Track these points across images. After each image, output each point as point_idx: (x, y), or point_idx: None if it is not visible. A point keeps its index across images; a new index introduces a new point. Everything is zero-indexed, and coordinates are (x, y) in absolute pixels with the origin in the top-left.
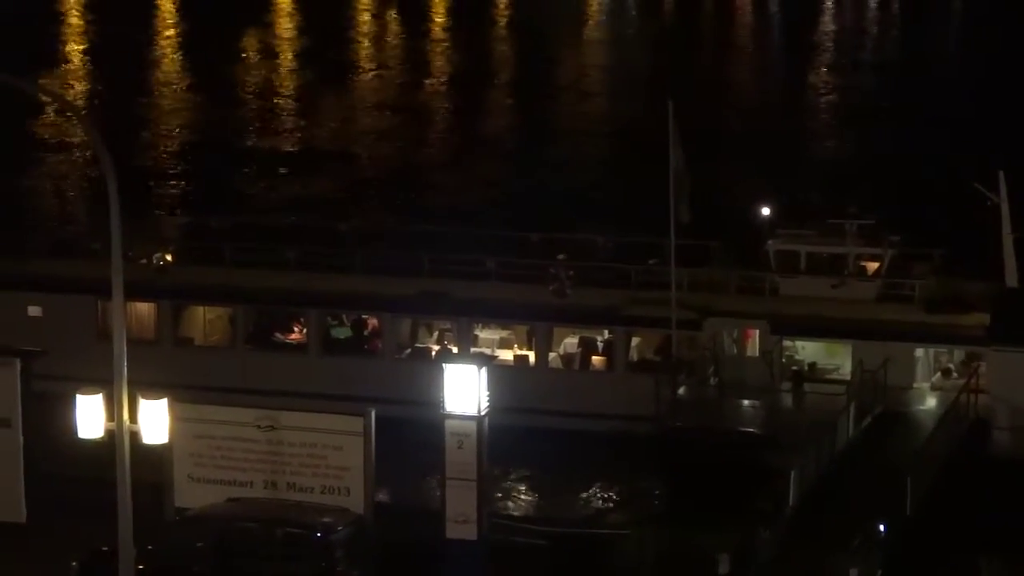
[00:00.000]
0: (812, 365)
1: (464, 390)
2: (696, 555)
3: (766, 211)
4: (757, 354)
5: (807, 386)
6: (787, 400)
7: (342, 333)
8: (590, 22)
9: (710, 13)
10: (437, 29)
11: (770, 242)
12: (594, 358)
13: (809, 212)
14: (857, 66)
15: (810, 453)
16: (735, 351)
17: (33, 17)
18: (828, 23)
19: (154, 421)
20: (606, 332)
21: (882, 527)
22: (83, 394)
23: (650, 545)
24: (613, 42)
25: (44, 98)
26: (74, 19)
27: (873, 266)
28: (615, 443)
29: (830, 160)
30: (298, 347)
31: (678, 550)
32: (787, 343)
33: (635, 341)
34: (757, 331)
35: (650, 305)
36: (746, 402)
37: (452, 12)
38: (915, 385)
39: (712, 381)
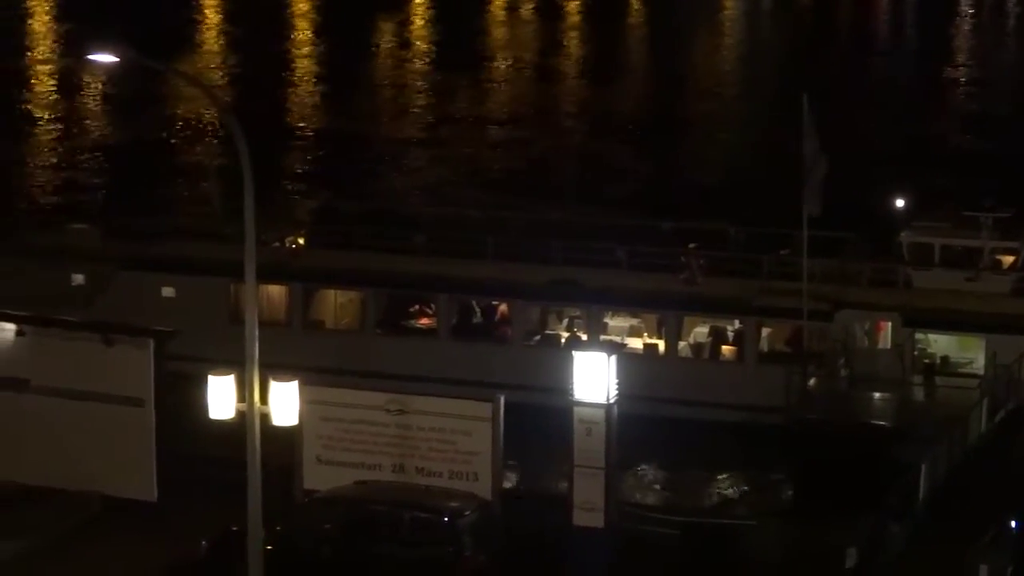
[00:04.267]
0: (944, 359)
1: (593, 378)
2: (824, 548)
3: (900, 203)
4: (889, 347)
5: (939, 380)
6: (918, 394)
7: (472, 319)
8: (725, 15)
9: (847, 8)
10: (570, 23)
11: (904, 234)
12: (724, 348)
13: (944, 204)
14: (994, 61)
15: (941, 447)
16: (866, 343)
17: (171, 3)
18: (966, 18)
19: (284, 403)
20: (736, 322)
21: (1013, 523)
22: (215, 375)
23: (777, 537)
24: (747, 36)
25: (180, 83)
26: (210, 7)
27: (1009, 259)
28: (743, 434)
29: (966, 153)
30: (428, 332)
31: (805, 543)
32: (919, 336)
33: (765, 331)
34: (889, 323)
35: (781, 296)
36: (877, 395)
37: (585, 6)
38: None
39: (843, 373)
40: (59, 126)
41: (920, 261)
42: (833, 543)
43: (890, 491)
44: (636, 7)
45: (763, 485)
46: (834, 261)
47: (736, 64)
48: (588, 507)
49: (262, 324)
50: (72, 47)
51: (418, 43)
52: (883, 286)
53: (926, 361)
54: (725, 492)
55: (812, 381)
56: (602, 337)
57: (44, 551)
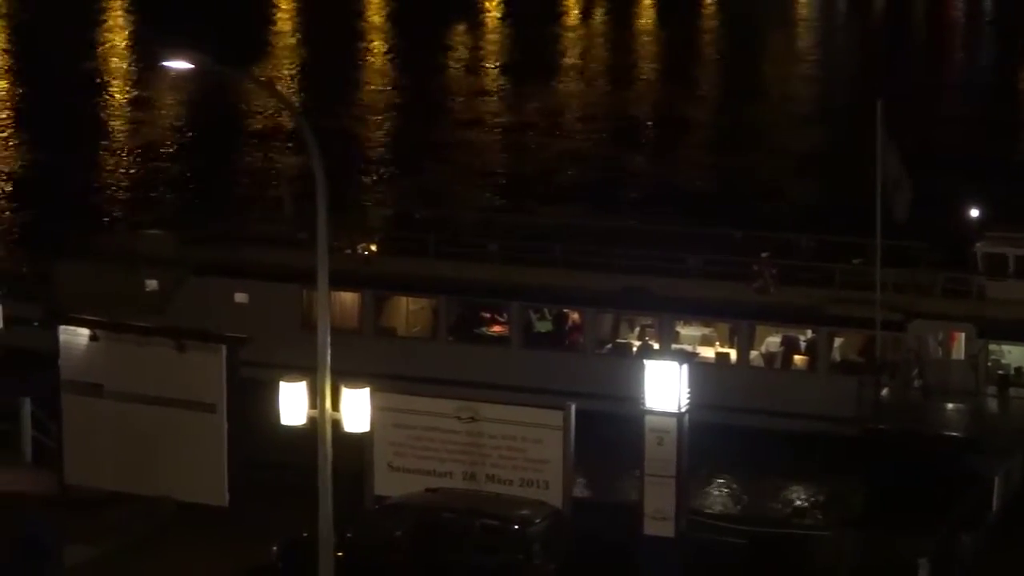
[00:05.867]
0: (1018, 370)
1: (665, 387)
2: (895, 559)
3: (975, 213)
4: (962, 357)
5: (1013, 391)
6: (992, 405)
7: (544, 327)
8: (799, 18)
9: (920, 11)
10: (642, 28)
11: (978, 244)
12: (796, 357)
13: (1019, 214)
14: None
15: (1014, 459)
16: (940, 354)
17: (245, 9)
18: None
19: (356, 409)
20: (809, 331)
21: None
22: (287, 381)
23: (848, 548)
24: (822, 40)
25: (255, 88)
26: (284, 11)
27: None
28: (816, 444)
29: None
30: (499, 339)
31: (877, 553)
32: (993, 347)
33: (838, 341)
34: (963, 334)
35: (854, 305)
36: (950, 406)
37: (658, 9)
38: None
39: (916, 384)
40: (134, 131)
41: (994, 271)
42: (905, 554)
43: (962, 502)
44: (710, 9)
45: (834, 495)
46: (907, 271)
47: (809, 68)
48: (659, 516)
49: (334, 331)
50: (147, 53)
51: (490, 49)
52: (957, 296)
53: (1000, 372)
54: (796, 502)
55: (885, 391)
56: (674, 346)
57: (118, 556)
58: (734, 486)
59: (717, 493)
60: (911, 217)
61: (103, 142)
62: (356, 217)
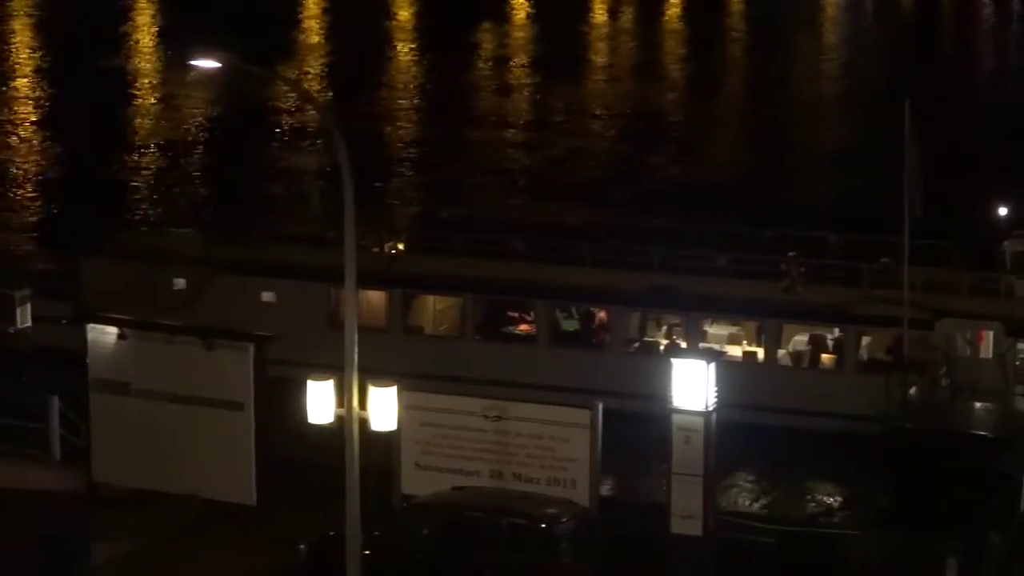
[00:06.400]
0: None
1: (692, 385)
2: (924, 558)
3: (1003, 211)
4: (990, 356)
5: None
6: (1020, 404)
7: (571, 325)
8: (826, 17)
9: (949, 10)
10: (669, 27)
11: (1006, 243)
12: (823, 356)
13: None
14: None
15: None
16: (968, 353)
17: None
18: None
19: (383, 408)
20: (836, 330)
21: None
22: (314, 380)
23: (877, 547)
24: (848, 36)
25: (282, 87)
26: (311, 10)
27: None
28: (843, 443)
29: None
30: (526, 338)
31: (905, 553)
32: (1021, 346)
33: (865, 340)
34: (991, 333)
35: (881, 304)
36: (978, 405)
37: (685, 8)
38: None
39: (944, 383)
40: (162, 129)
41: (1022, 270)
42: (933, 553)
43: (991, 501)
44: (736, 7)
45: (862, 495)
46: (935, 270)
47: (836, 66)
48: (686, 515)
49: (361, 329)
50: (174, 50)
51: (518, 49)
52: (985, 295)
53: None
54: (824, 501)
55: (912, 390)
56: (701, 344)
57: (145, 554)
58: (762, 485)
59: (745, 492)
60: (930, 215)
61: (131, 140)
62: (383, 215)
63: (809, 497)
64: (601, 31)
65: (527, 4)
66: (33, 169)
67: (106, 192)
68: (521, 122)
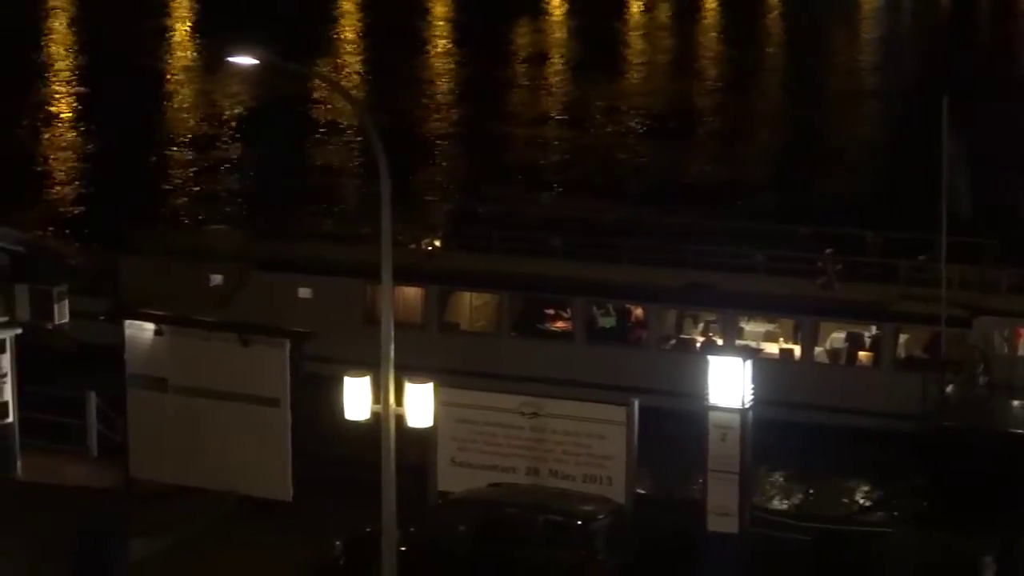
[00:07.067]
0: None
1: (729, 383)
2: (960, 557)
3: None
4: None
5: None
6: None
7: (607, 322)
8: (864, 15)
9: (987, 7)
10: (707, 24)
11: None
12: (860, 354)
13: None
14: None
15: None
16: (1005, 350)
17: (309, 4)
18: None
19: (419, 405)
20: (873, 327)
21: None
22: (351, 376)
23: (912, 545)
24: (887, 33)
25: (318, 84)
26: (347, 6)
27: None
28: (880, 440)
29: None
30: (563, 335)
31: (941, 551)
32: None
33: (903, 338)
34: None
35: (919, 301)
36: (1016, 403)
37: (722, 5)
38: None
39: (981, 381)
40: (199, 127)
41: None
42: (969, 552)
43: None
44: (774, 4)
45: (899, 493)
46: (973, 267)
47: (874, 63)
48: (722, 512)
49: (397, 326)
50: (211, 47)
51: (555, 44)
52: (1023, 293)
53: None
54: (860, 499)
55: (950, 388)
56: (738, 342)
57: (182, 549)
58: (798, 483)
59: (781, 490)
60: (972, 213)
61: (168, 137)
62: (419, 212)
63: (845, 495)
64: (638, 27)
65: (564, 0)
66: (71, 166)
67: (143, 189)
68: (557, 118)
